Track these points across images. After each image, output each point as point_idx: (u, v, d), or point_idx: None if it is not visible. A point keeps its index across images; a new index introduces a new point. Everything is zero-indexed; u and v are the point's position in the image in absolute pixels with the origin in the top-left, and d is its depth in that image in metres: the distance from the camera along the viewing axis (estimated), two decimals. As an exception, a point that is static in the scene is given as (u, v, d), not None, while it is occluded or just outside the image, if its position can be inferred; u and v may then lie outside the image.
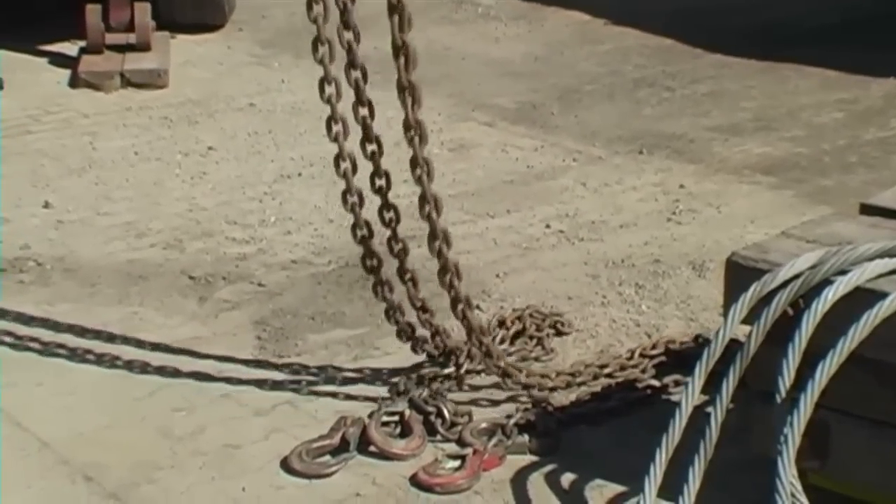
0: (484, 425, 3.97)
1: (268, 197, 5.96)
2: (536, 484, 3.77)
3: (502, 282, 5.09)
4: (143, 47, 7.87)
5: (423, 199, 3.99)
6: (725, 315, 3.41)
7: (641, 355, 4.35)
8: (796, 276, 3.36)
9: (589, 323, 4.75)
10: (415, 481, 3.75)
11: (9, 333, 4.65)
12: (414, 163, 3.98)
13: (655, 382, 4.25)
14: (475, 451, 3.81)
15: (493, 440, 3.88)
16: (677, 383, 4.20)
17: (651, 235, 5.52)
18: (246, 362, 4.48)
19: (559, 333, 4.58)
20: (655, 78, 7.83)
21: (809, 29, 8.59)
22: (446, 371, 4.27)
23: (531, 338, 4.52)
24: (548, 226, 5.62)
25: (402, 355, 4.47)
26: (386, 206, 4.14)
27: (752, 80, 7.72)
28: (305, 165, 6.27)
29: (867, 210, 3.83)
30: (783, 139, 6.74)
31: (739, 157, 6.48)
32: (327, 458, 3.86)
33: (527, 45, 8.57)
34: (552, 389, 4.18)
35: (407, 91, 3.98)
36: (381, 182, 4.12)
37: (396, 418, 4.01)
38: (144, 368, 4.42)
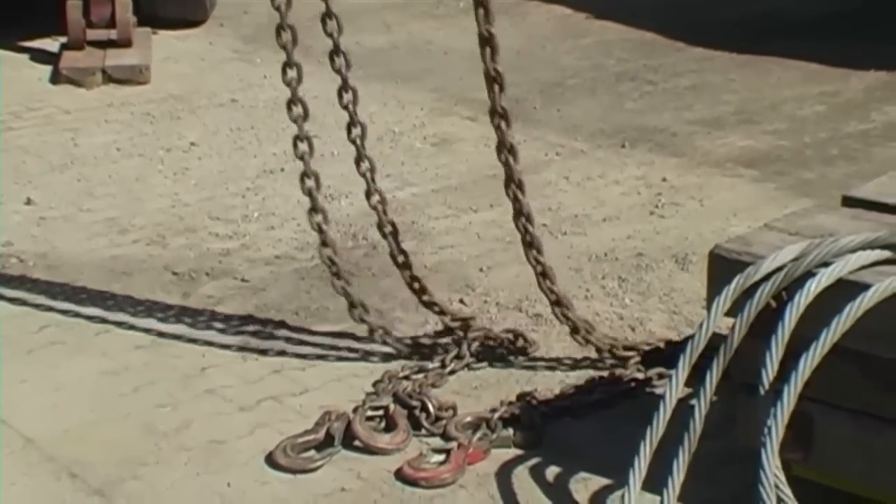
0: (468, 419, 3.98)
1: (250, 192, 5.95)
2: (521, 477, 3.77)
3: (486, 276, 5.10)
4: (124, 43, 7.85)
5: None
6: (709, 308, 3.42)
7: None
8: (779, 269, 3.37)
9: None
10: (399, 475, 3.75)
11: (-9, 330, 4.64)
12: (500, 148, 4.23)
13: (639, 375, 4.26)
14: (459, 445, 3.82)
15: (478, 434, 3.88)
16: (661, 376, 4.21)
17: (634, 229, 5.52)
18: (230, 358, 4.48)
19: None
20: (637, 72, 7.84)
21: (791, 22, 8.62)
22: (432, 366, 4.28)
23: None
24: (531, 220, 5.62)
25: (385, 350, 4.47)
26: (371, 191, 4.21)
27: (734, 74, 7.73)
28: (288, 161, 6.23)
29: (849, 202, 3.84)
30: (765, 132, 6.76)
31: (722, 151, 6.50)
32: (312, 452, 3.86)
33: (509, 40, 8.53)
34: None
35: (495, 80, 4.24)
36: (365, 166, 4.20)
37: (381, 413, 4.02)
38: (128, 364, 4.42)
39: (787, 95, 7.33)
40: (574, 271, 5.13)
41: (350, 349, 4.53)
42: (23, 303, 4.89)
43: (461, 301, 4.85)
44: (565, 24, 8.94)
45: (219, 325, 4.71)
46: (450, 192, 5.94)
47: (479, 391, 4.24)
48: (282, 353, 4.50)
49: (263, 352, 4.51)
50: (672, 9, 9.10)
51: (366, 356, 4.47)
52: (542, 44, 8.49)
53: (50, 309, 4.84)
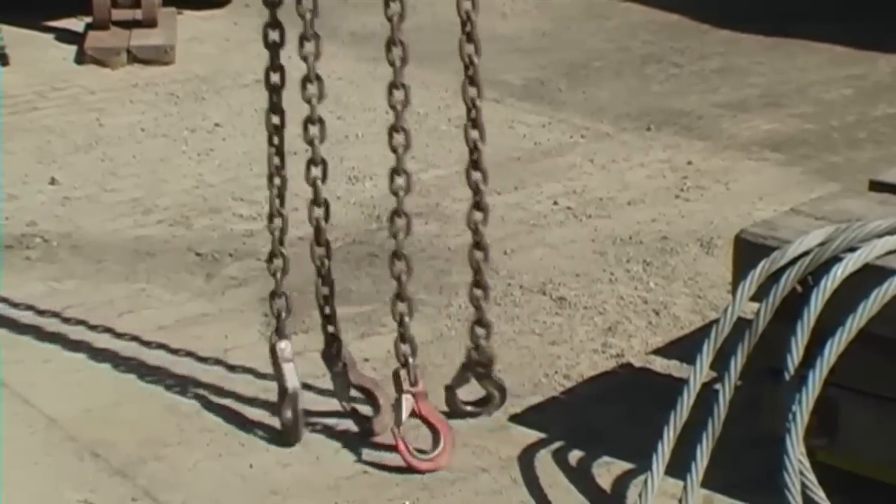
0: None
1: (275, 173, 5.94)
2: (544, 461, 3.77)
3: (510, 259, 5.08)
4: (149, 23, 7.85)
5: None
6: (734, 292, 3.40)
7: None
8: (805, 253, 3.35)
9: (596, 300, 4.74)
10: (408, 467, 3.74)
11: (15, 310, 4.65)
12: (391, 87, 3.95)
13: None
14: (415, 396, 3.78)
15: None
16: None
17: (659, 212, 5.50)
18: (253, 339, 4.48)
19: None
20: (663, 54, 7.80)
21: (818, 4, 8.55)
22: None
23: None
24: (555, 202, 5.61)
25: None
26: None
27: (761, 57, 7.69)
28: (312, 142, 6.24)
29: (876, 186, 3.82)
30: (792, 115, 6.72)
31: (748, 134, 6.46)
32: None
33: (534, 21, 8.54)
34: None
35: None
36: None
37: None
38: (151, 345, 4.42)
39: (813, 78, 7.28)
40: (598, 254, 5.11)
41: (373, 331, 4.52)
42: (47, 282, 4.89)
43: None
44: (591, 5, 8.90)
45: (242, 306, 4.71)
46: (474, 175, 5.92)
47: (501, 374, 4.22)
48: (304, 334, 4.49)
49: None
50: (698, -9, 9.05)
51: (389, 338, 4.45)
52: (567, 25, 8.45)
53: (73, 289, 4.84)
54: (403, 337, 3.84)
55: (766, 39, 7.97)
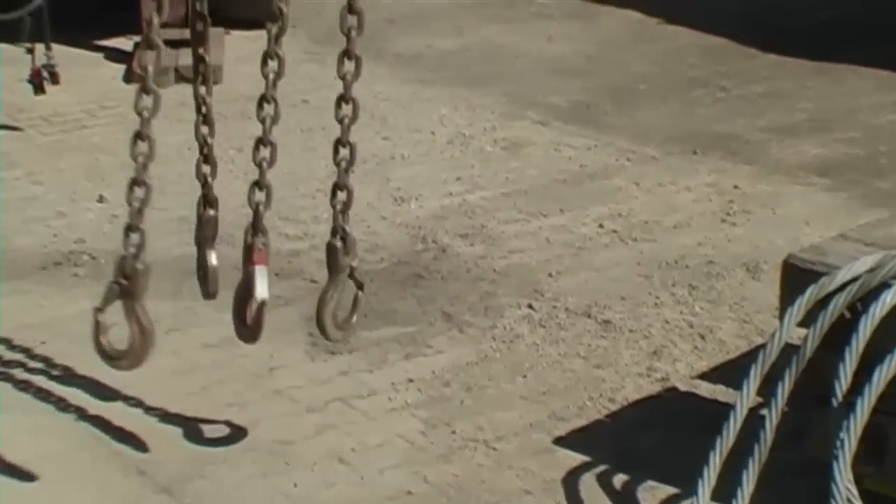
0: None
1: (320, 193, 5.95)
2: (588, 484, 3.76)
3: (555, 281, 5.08)
4: (197, 43, 7.88)
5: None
6: (781, 318, 3.39)
7: None
8: (854, 280, 3.33)
9: (642, 323, 4.73)
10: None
11: (63, 326, 4.67)
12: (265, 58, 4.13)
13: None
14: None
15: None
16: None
17: (705, 236, 5.49)
18: (298, 359, 4.49)
19: None
20: (710, 78, 7.79)
21: (866, 29, 8.52)
22: None
23: None
24: (601, 225, 5.61)
25: (454, 353, 4.48)
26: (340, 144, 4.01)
27: (808, 81, 7.66)
28: (358, 163, 6.20)
29: (926, 213, 3.80)
30: (839, 140, 6.69)
31: (794, 159, 6.44)
32: None
33: (580, 44, 8.55)
34: None
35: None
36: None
37: None
38: (197, 364, 4.44)
39: (861, 104, 7.25)
40: (644, 278, 5.10)
41: (419, 352, 4.53)
42: (94, 299, 4.91)
43: (530, 306, 4.83)
44: (638, 29, 8.90)
45: (287, 325, 4.72)
46: (520, 197, 5.93)
47: (546, 396, 4.23)
48: (350, 354, 4.50)
49: (331, 353, 4.52)
50: (745, 15, 9.03)
51: (433, 359, 4.46)
52: (614, 49, 8.45)
53: (120, 307, 4.85)
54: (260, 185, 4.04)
55: (813, 64, 7.94)
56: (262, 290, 3.93)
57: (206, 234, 4.24)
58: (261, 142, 4.03)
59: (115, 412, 4.14)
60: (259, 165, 4.07)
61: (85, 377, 4.34)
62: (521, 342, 4.59)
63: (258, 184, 4.07)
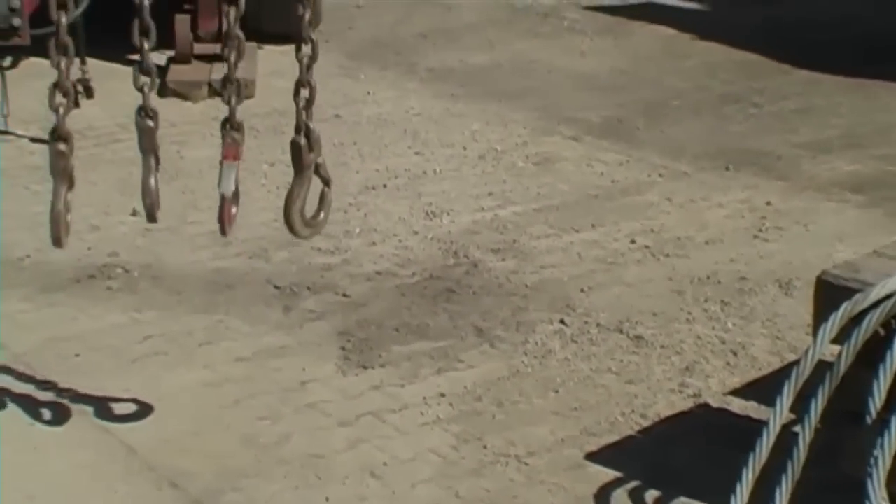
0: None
1: (353, 208, 5.98)
2: (620, 500, 3.75)
3: (587, 296, 5.07)
4: (230, 57, 7.91)
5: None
6: (815, 334, 3.38)
7: None
8: (888, 297, 3.32)
9: (674, 339, 4.72)
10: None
11: (97, 339, 4.70)
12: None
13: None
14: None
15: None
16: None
17: (737, 252, 5.48)
18: (330, 372, 4.50)
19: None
20: (742, 93, 7.78)
21: (898, 45, 8.51)
22: None
23: None
24: (633, 241, 5.60)
25: (486, 368, 4.48)
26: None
27: (841, 97, 7.65)
28: (390, 177, 6.29)
29: (960, 230, 3.79)
30: (872, 157, 6.67)
31: (828, 175, 6.42)
32: None
33: (613, 59, 8.55)
34: None
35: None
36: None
37: None
38: (230, 377, 4.46)
39: (894, 120, 7.23)
40: (676, 293, 5.10)
41: (450, 367, 4.53)
42: (127, 313, 4.94)
43: (562, 322, 4.83)
44: (670, 44, 8.90)
45: (319, 339, 4.74)
46: (552, 212, 5.93)
47: (578, 412, 4.23)
48: (382, 368, 4.51)
49: (364, 367, 4.52)
50: (778, 31, 9.02)
51: (465, 374, 4.47)
52: (646, 64, 8.45)
53: (153, 320, 4.89)
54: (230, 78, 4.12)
55: (846, 80, 7.93)
56: (225, 184, 4.00)
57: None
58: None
59: (148, 425, 4.15)
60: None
61: (118, 390, 4.36)
62: (553, 357, 4.59)
63: (228, 78, 4.22)
